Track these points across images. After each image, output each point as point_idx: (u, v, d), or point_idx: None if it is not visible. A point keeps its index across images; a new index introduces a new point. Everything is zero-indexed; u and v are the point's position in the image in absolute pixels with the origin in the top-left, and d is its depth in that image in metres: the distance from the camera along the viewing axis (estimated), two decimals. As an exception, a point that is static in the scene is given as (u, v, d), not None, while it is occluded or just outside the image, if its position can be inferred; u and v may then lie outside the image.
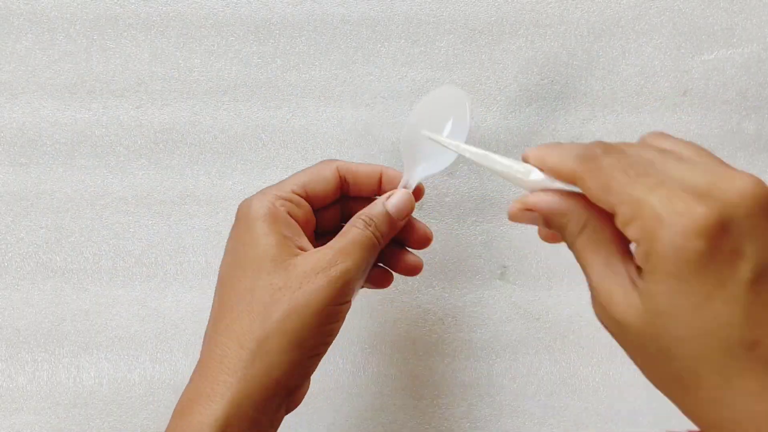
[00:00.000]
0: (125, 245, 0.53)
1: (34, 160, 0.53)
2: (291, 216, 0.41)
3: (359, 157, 0.53)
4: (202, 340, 0.50)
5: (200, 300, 0.53)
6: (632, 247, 0.30)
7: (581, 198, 0.33)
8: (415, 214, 0.46)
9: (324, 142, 0.53)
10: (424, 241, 0.45)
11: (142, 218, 0.53)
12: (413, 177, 0.44)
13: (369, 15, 0.53)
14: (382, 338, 0.53)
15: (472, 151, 0.37)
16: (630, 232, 0.30)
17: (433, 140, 0.41)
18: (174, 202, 0.53)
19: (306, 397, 0.53)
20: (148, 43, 0.53)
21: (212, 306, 0.41)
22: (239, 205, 0.42)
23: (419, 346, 0.53)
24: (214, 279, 0.53)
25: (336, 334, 0.40)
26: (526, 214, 0.34)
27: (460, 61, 0.53)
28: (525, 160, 0.34)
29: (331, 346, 0.54)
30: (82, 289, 0.53)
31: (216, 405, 0.37)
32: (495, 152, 0.36)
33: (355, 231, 0.41)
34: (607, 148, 0.31)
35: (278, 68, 0.53)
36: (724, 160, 0.31)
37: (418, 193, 0.44)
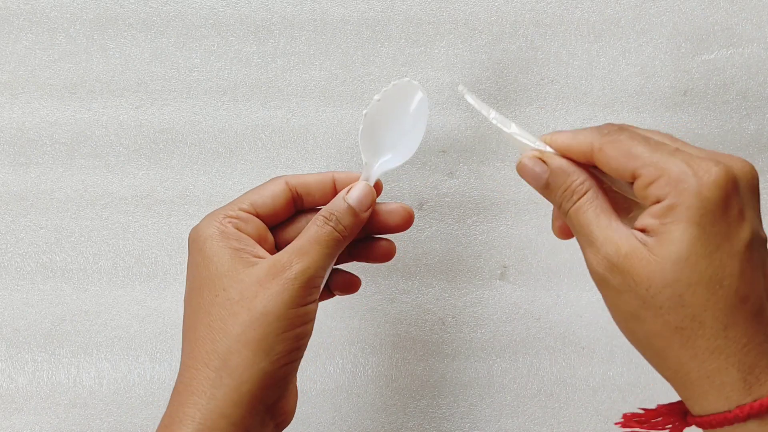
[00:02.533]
0: (125, 245, 0.53)
1: (33, 160, 0.53)
2: (241, 231, 0.40)
3: (359, 157, 0.53)
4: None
5: (200, 300, 0.53)
6: (651, 209, 0.33)
7: (584, 167, 0.37)
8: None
9: (324, 142, 0.53)
10: (407, 220, 0.44)
11: (142, 218, 0.53)
12: (373, 173, 0.43)
13: (369, 15, 0.53)
14: (382, 338, 0.53)
15: (498, 118, 0.40)
16: (653, 189, 0.33)
17: (467, 100, 0.42)
18: (174, 202, 0.53)
19: (306, 397, 0.53)
20: (148, 43, 0.53)
21: (182, 338, 0.41)
22: (189, 234, 0.41)
23: (419, 346, 0.53)
24: (214, 279, 0.53)
25: (308, 337, 0.39)
26: (537, 163, 0.37)
27: (460, 61, 0.53)
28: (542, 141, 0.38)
29: (331, 346, 0.54)
30: (82, 289, 0.53)
31: (187, 428, 0.36)
32: (514, 125, 0.39)
33: (313, 229, 0.40)
34: (621, 127, 0.35)
35: (278, 68, 0.53)
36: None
37: (377, 188, 0.43)
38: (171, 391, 0.50)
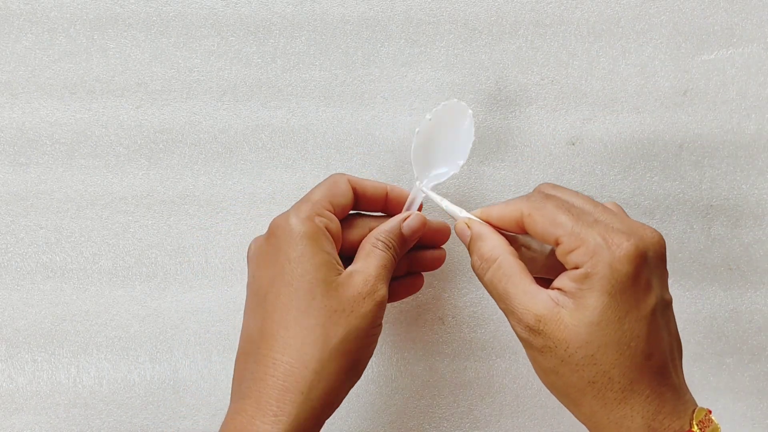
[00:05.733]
0: (125, 245, 0.53)
1: (34, 160, 0.53)
2: (330, 232, 0.42)
3: (359, 157, 0.53)
4: (203, 340, 0.50)
5: (200, 300, 0.53)
6: (569, 273, 0.38)
7: (501, 237, 0.41)
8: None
9: (324, 142, 0.53)
10: (443, 236, 0.48)
11: (142, 218, 0.53)
12: (424, 186, 0.47)
13: (369, 15, 0.53)
14: (382, 338, 0.53)
15: (447, 204, 0.45)
16: (573, 257, 0.37)
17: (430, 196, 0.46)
18: (174, 202, 0.53)
19: (306, 397, 0.53)
20: (148, 43, 0.53)
21: (252, 318, 0.41)
22: (274, 222, 0.42)
23: (419, 346, 0.53)
24: (214, 279, 0.53)
25: (371, 356, 0.43)
26: (464, 229, 0.43)
27: (460, 61, 0.53)
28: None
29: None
30: (82, 289, 0.53)
31: (282, 423, 0.38)
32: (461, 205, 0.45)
33: (381, 254, 0.43)
34: (547, 196, 0.40)
35: (278, 68, 0.53)
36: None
37: (419, 207, 0.47)
38: (172, 390, 0.50)
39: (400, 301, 0.53)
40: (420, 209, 0.47)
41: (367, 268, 0.42)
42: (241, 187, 0.53)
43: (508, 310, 0.39)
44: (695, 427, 0.36)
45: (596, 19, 0.53)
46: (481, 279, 0.41)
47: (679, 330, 0.40)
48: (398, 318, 0.53)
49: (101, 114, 0.53)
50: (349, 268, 0.42)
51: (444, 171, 0.47)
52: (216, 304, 0.53)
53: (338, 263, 0.41)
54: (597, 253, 0.36)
